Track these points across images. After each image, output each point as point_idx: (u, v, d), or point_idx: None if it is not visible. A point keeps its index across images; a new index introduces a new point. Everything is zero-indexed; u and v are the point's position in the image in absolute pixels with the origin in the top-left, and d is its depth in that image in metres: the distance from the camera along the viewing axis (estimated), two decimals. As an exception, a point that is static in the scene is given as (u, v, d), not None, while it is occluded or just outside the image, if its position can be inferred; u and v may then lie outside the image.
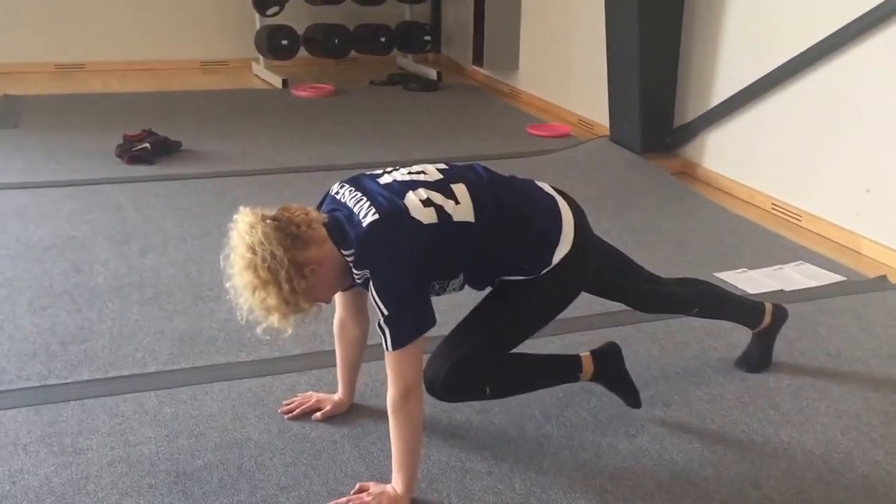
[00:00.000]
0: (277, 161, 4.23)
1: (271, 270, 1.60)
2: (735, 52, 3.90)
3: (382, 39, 6.39)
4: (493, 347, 1.87)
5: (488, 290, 1.91)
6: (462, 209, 1.73)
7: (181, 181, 3.85)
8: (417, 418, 1.72)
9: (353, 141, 4.63)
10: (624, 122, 4.36)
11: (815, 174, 3.52)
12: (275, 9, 6.01)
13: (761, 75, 3.70)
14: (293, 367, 2.30)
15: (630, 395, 2.08)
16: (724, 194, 3.96)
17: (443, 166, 1.84)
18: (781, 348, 2.42)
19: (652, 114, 4.24)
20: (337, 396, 2.09)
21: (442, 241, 1.70)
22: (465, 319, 1.89)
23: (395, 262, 1.66)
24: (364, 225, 1.66)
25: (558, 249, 1.81)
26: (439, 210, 1.70)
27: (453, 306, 2.55)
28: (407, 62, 6.69)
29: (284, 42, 5.99)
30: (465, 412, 2.09)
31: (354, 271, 1.71)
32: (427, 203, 1.70)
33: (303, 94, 5.67)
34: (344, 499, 1.76)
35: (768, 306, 2.31)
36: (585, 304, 2.17)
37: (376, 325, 1.68)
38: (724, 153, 4.05)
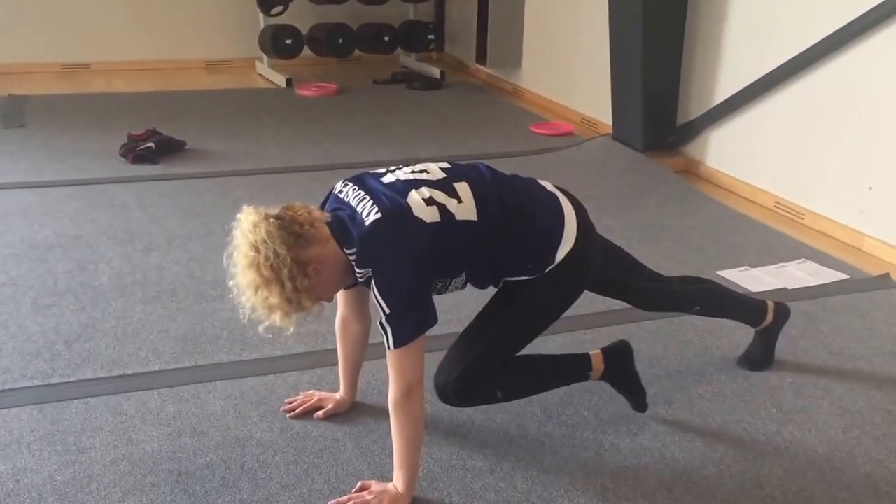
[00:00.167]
0: (281, 160, 4.24)
1: (274, 269, 1.60)
2: (738, 50, 3.89)
3: (386, 38, 6.40)
4: (500, 350, 1.87)
5: (491, 289, 1.91)
6: (465, 208, 1.73)
7: (185, 180, 3.86)
8: (419, 416, 1.73)
9: (357, 140, 4.63)
10: (627, 121, 4.35)
11: (818, 172, 3.51)
12: (279, 8, 6.02)
13: (764, 73, 3.70)
14: (295, 365, 2.31)
15: (637, 396, 2.07)
16: (726, 192, 3.95)
17: (446, 165, 1.84)
18: (784, 346, 2.42)
19: (655, 112, 4.23)
20: (339, 395, 2.09)
21: (444, 239, 1.70)
22: (472, 324, 1.90)
23: (397, 261, 1.66)
24: (366, 224, 1.66)
25: (561, 248, 1.81)
26: (442, 209, 1.70)
27: (455, 305, 2.57)
28: (410, 61, 6.69)
29: (288, 41, 5.99)
30: (467, 411, 2.09)
31: (356, 270, 1.71)
32: (430, 202, 1.70)
33: (306, 93, 5.68)
34: (345, 497, 1.76)
35: (770, 305, 2.31)
36: (587, 302, 2.17)
37: (378, 323, 1.68)
38: (726, 151, 4.05)
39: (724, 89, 3.97)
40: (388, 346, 1.67)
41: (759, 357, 2.34)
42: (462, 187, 1.76)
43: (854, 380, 2.32)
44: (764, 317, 2.29)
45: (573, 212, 1.87)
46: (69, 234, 3.20)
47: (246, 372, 2.27)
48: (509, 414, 2.10)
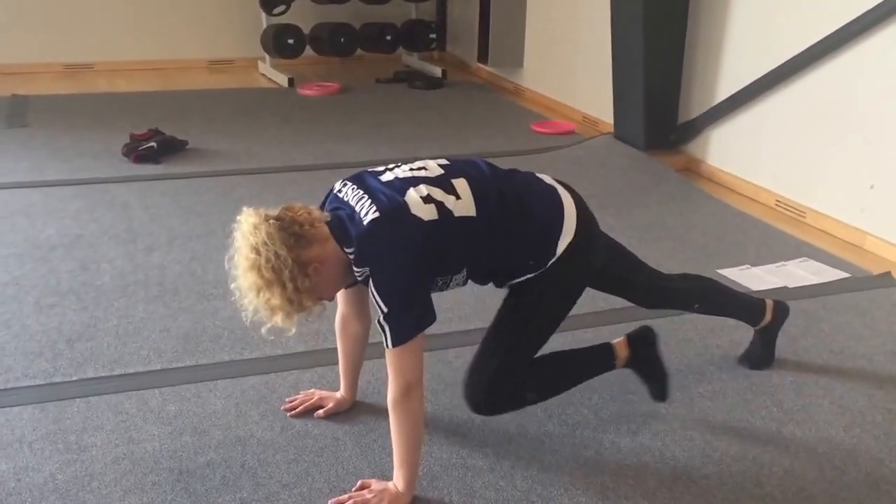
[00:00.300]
0: (283, 160, 4.25)
1: (275, 270, 1.61)
2: (739, 48, 3.89)
3: (388, 38, 6.41)
4: (520, 353, 1.88)
5: (496, 291, 1.92)
6: (463, 204, 1.73)
7: (187, 180, 3.87)
8: (418, 415, 1.73)
9: (359, 139, 4.64)
10: (628, 119, 4.35)
11: (820, 170, 3.51)
12: (281, 8, 6.02)
13: (765, 72, 3.69)
14: (296, 364, 2.31)
15: (660, 382, 2.06)
16: (727, 191, 3.95)
17: (444, 161, 1.84)
18: (784, 345, 2.41)
19: (656, 111, 4.23)
20: (339, 394, 2.10)
21: (443, 237, 1.70)
22: (487, 334, 1.90)
23: (395, 260, 1.66)
24: (365, 223, 1.67)
25: (561, 239, 1.81)
26: (439, 206, 1.71)
27: (456, 303, 2.57)
28: (412, 60, 6.69)
29: (290, 41, 6.00)
30: (467, 410, 2.09)
31: (355, 269, 1.71)
32: (427, 200, 1.70)
33: (309, 92, 5.68)
34: (346, 496, 1.77)
35: (769, 303, 2.31)
36: (589, 301, 2.18)
37: (376, 322, 1.68)
38: (728, 150, 4.04)
39: (726, 88, 3.97)
40: (387, 345, 1.67)
41: (760, 356, 2.34)
42: (460, 184, 1.76)
43: (855, 378, 2.32)
44: (763, 315, 2.29)
45: (573, 204, 1.87)
46: (72, 233, 3.21)
47: (247, 371, 2.28)
48: (509, 413, 2.10)
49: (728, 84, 3.95)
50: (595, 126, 4.94)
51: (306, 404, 2.08)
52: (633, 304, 2.21)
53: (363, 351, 2.05)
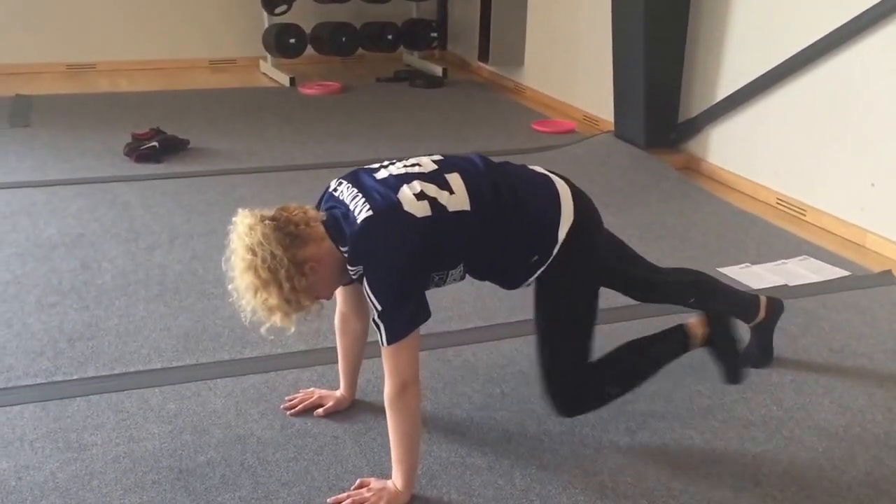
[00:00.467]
0: (284, 159, 4.25)
1: (271, 270, 1.61)
2: (740, 47, 3.89)
3: (389, 37, 6.40)
4: (576, 355, 1.90)
5: (493, 286, 1.92)
6: (457, 199, 1.74)
7: (188, 179, 3.87)
8: (415, 412, 1.73)
9: (360, 138, 4.64)
10: (628, 118, 4.35)
11: (820, 169, 3.50)
12: (282, 7, 6.03)
13: (766, 70, 3.69)
14: (296, 363, 2.32)
15: (735, 361, 2.06)
16: (728, 189, 3.95)
17: (438, 157, 1.85)
18: (784, 344, 2.41)
19: (657, 109, 4.23)
20: (339, 393, 2.10)
21: (437, 233, 1.70)
22: (537, 347, 1.91)
23: (388, 258, 1.67)
24: (358, 221, 1.67)
25: (561, 226, 1.81)
26: (433, 202, 1.71)
27: (455, 302, 2.57)
28: (413, 59, 6.69)
29: (292, 40, 6.00)
30: (466, 408, 2.10)
31: (349, 267, 1.72)
32: (420, 196, 1.70)
33: (310, 91, 5.69)
34: (345, 494, 1.77)
35: (763, 299, 2.30)
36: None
37: (371, 320, 1.69)
38: (728, 148, 4.04)
39: (726, 86, 3.96)
40: (383, 343, 1.68)
41: (758, 354, 2.34)
42: (454, 178, 1.76)
43: (855, 377, 2.32)
44: (757, 312, 2.28)
45: (568, 189, 1.87)
46: (73, 232, 3.21)
47: (247, 369, 2.28)
48: (509, 411, 2.11)
49: (728, 82, 3.95)
50: (595, 125, 4.93)
51: (306, 403, 2.09)
52: (632, 305, 2.21)
53: (362, 349, 2.06)
